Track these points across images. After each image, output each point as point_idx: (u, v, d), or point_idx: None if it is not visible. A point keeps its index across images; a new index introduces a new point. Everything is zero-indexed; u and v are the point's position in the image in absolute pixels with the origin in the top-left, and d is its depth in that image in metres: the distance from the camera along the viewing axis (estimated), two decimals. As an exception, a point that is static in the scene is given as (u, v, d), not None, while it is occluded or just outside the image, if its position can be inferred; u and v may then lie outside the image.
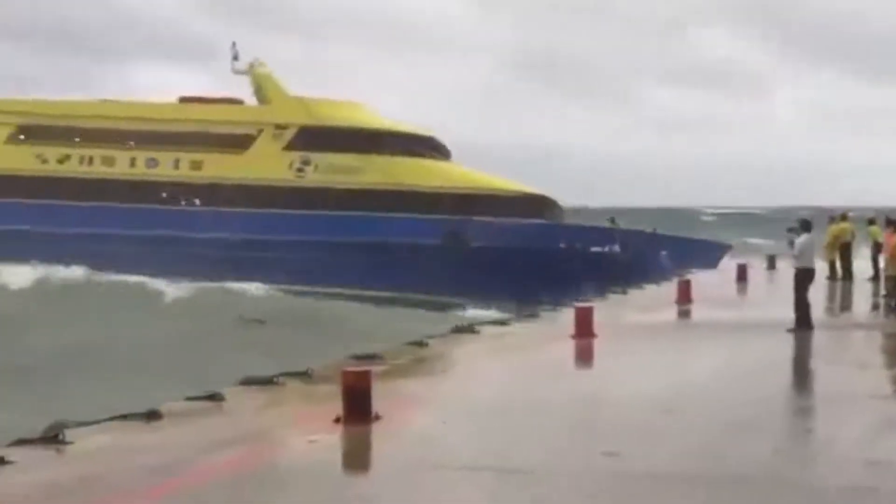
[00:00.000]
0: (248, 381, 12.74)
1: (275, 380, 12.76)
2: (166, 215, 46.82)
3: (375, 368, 11.77)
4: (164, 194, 47.45)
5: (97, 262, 42.40)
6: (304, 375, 13.13)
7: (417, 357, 15.31)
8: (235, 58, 49.92)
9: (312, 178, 47.77)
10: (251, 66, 49.94)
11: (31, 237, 44.66)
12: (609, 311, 21.00)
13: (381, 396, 10.67)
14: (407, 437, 10.02)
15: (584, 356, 16.01)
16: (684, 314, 21.59)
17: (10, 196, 47.01)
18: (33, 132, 48.53)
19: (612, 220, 48.46)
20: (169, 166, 48.01)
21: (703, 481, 8.38)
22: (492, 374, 13.95)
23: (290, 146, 48.08)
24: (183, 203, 47.41)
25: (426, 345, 16.29)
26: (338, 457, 9.63)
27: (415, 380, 13.55)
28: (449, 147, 49.81)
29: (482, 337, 17.67)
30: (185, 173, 47.82)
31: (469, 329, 18.24)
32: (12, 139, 48.50)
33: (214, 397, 11.58)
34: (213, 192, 47.16)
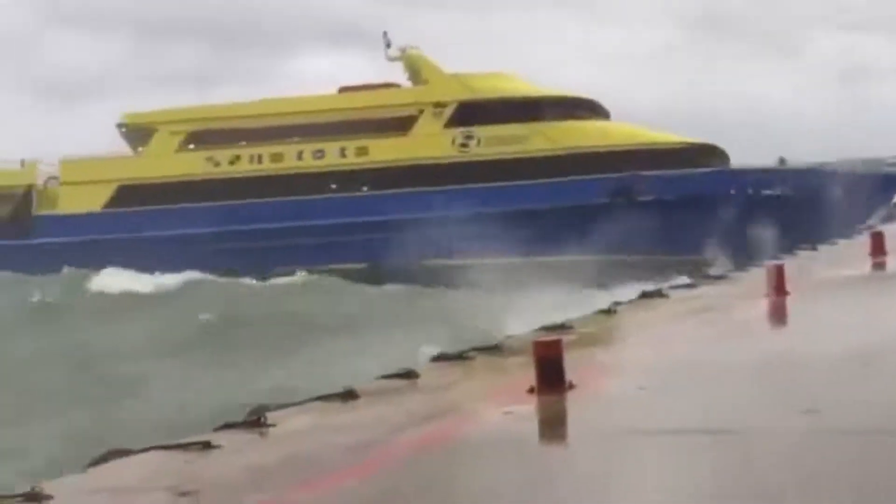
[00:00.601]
0: (441, 358, 12.84)
1: (466, 354, 12.82)
2: (338, 203, 47.12)
3: (566, 338, 11.72)
4: (334, 185, 47.74)
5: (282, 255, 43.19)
6: (495, 349, 13.16)
7: (607, 324, 15.22)
8: (388, 45, 50.02)
9: (476, 152, 47.58)
10: (403, 51, 49.89)
11: (209, 239, 45.32)
12: (800, 267, 20.54)
13: (574, 365, 10.62)
14: (603, 404, 9.97)
15: (778, 314, 15.69)
16: (879, 266, 20.96)
17: (186, 201, 47.82)
18: (202, 137, 49.34)
19: (782, 161, 47.20)
20: (335, 155, 48.23)
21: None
22: (684, 338, 13.77)
23: (450, 123, 48.08)
24: (361, 189, 47.57)
25: (615, 312, 16.18)
26: (534, 426, 9.64)
27: (606, 347, 13.48)
28: (611, 109, 49.30)
29: (671, 301, 17.47)
30: (351, 161, 48.02)
31: (658, 293, 18.05)
32: (183, 146, 49.38)
33: (408, 375, 11.70)
34: (381, 176, 47.27)
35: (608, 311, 16.21)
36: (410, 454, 8.60)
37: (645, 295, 18.13)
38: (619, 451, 8.33)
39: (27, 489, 7.95)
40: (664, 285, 19.88)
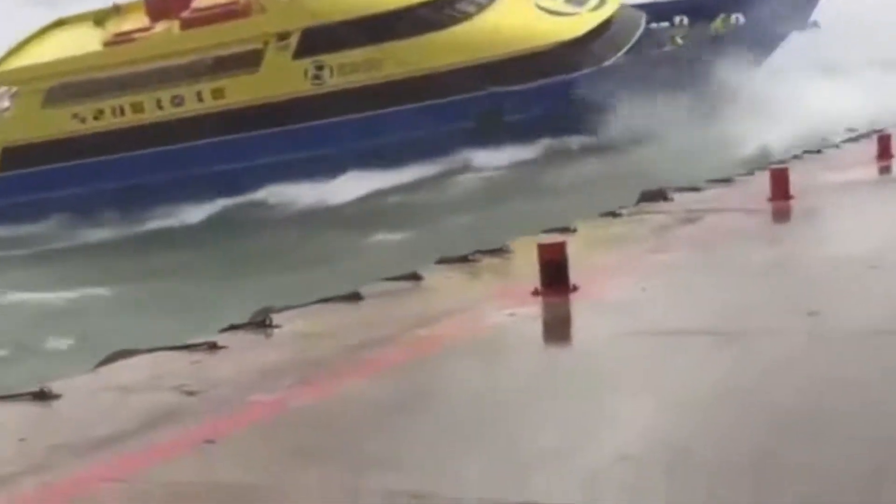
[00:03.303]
0: (444, 260, 12.86)
1: (470, 257, 12.84)
2: (203, 150, 44.94)
3: (570, 240, 11.73)
4: (197, 131, 45.42)
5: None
6: (499, 251, 13.18)
7: (612, 227, 15.22)
8: None
9: (331, 84, 43.99)
10: None
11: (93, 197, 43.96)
12: (805, 170, 20.46)
13: (578, 268, 10.65)
14: (607, 306, 10.00)
15: (782, 219, 15.67)
16: (886, 170, 20.87)
17: (65, 159, 46.22)
18: (61, 94, 47.28)
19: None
20: (193, 100, 45.86)
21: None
22: (689, 241, 13.77)
23: (298, 54, 44.95)
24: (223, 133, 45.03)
25: (620, 215, 16.16)
26: (538, 328, 9.71)
27: (610, 250, 13.49)
28: None
29: (675, 203, 17.44)
30: (209, 105, 45.49)
31: (661, 195, 17.97)
32: (46, 104, 47.38)
33: (413, 277, 11.73)
34: (238, 119, 44.77)
35: (613, 214, 16.20)
36: (413, 355, 8.67)
37: (648, 197, 18.03)
38: (622, 352, 8.39)
39: (35, 388, 8.05)
40: (668, 186, 19.73)
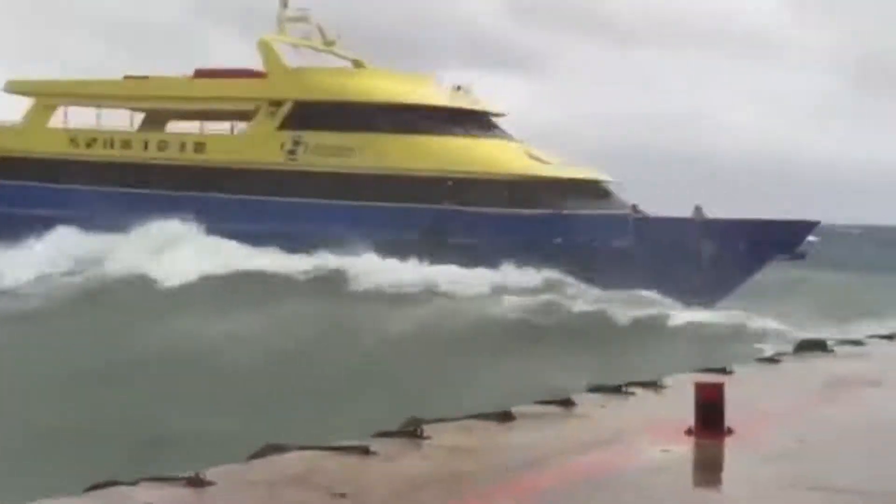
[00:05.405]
0: (597, 388, 12.80)
1: (623, 388, 12.76)
2: (167, 201, 44.97)
3: (726, 381, 11.58)
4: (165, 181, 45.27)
5: None
6: (653, 385, 13.08)
7: (769, 373, 14.97)
8: (285, 5, 46.86)
9: (302, 161, 43.74)
10: (301, 15, 46.59)
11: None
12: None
13: (733, 411, 10.50)
14: (761, 453, 9.81)
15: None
16: None
17: (49, 180, 47.03)
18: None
19: (697, 210, 42.96)
20: (176, 149, 46.22)
21: None
22: (853, 394, 13.46)
23: (284, 125, 44.46)
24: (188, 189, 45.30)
25: (778, 361, 15.91)
26: (690, 469, 9.57)
27: (768, 396, 13.24)
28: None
29: (836, 355, 17.09)
30: (189, 157, 45.72)
31: (821, 346, 17.65)
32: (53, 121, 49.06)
33: (565, 402, 11.71)
34: (212, 177, 44.82)
35: (771, 360, 15.97)
36: (564, 481, 8.62)
37: (806, 346, 17.73)
38: None
39: (191, 474, 8.20)
40: (828, 338, 19.39)
